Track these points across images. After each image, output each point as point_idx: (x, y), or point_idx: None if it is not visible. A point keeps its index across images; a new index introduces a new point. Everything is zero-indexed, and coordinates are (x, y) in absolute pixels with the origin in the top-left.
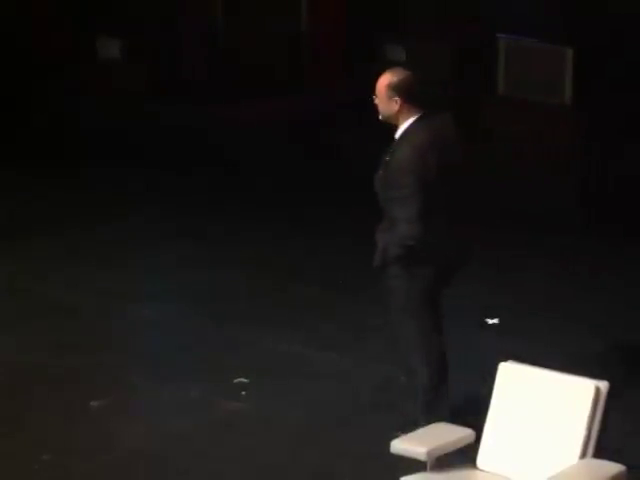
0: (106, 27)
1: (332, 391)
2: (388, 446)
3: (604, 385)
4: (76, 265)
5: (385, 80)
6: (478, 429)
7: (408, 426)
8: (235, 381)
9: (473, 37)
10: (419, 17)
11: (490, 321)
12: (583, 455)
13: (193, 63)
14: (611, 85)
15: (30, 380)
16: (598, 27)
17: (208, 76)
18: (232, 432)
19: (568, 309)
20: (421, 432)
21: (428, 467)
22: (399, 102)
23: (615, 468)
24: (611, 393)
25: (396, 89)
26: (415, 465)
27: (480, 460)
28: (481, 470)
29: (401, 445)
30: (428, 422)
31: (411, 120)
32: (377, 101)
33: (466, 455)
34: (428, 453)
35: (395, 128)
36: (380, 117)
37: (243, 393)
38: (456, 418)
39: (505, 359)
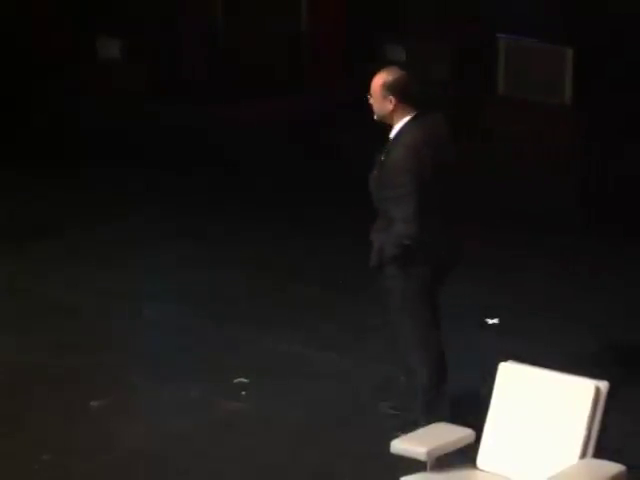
0: (106, 27)
1: (332, 391)
2: (388, 446)
3: (604, 385)
4: (76, 265)
5: (380, 79)
6: (478, 429)
7: (408, 426)
8: (235, 381)
9: (473, 37)
10: (419, 17)
11: (490, 321)
12: (583, 455)
13: (193, 63)
14: (611, 85)
15: (30, 380)
16: (598, 27)
17: (208, 76)
18: (232, 432)
19: (568, 309)
20: (421, 432)
21: (428, 467)
22: (394, 101)
23: (615, 468)
24: (611, 393)
25: (391, 88)
26: (415, 465)
27: (480, 460)
28: (481, 470)
29: (401, 445)
30: (428, 422)
31: (405, 120)
32: (372, 100)
33: (466, 455)
34: (428, 453)
35: (390, 128)
36: (375, 117)
37: (243, 393)
38: (456, 418)
39: (505, 359)
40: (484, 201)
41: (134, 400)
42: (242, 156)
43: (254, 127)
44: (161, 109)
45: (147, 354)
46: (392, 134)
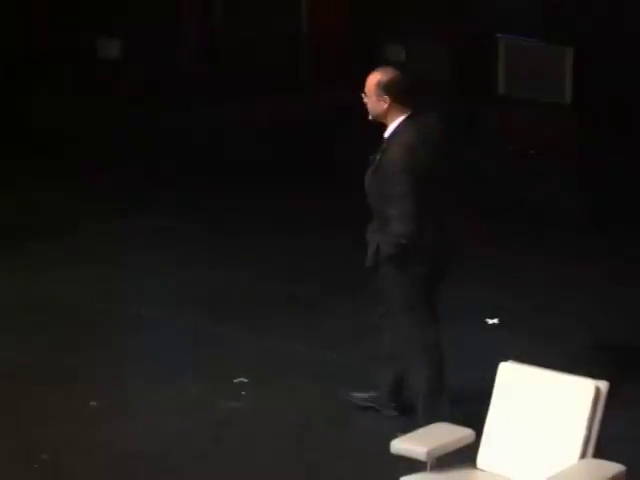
0: (106, 27)
1: (332, 391)
2: (388, 446)
3: (604, 385)
4: (76, 265)
5: (374, 79)
6: (478, 429)
7: (408, 426)
8: (235, 381)
9: (473, 37)
10: (419, 17)
11: (490, 321)
12: (583, 455)
13: (193, 63)
14: (611, 85)
15: (30, 380)
16: (598, 27)
17: (208, 76)
18: (232, 432)
19: (568, 309)
20: (421, 432)
21: (428, 467)
22: (388, 101)
23: (615, 468)
24: (611, 393)
25: (385, 88)
26: (415, 465)
27: (480, 460)
28: (481, 470)
29: (401, 445)
30: (428, 422)
31: (400, 119)
32: (366, 100)
33: (466, 455)
34: (428, 453)
35: (384, 127)
36: (369, 116)
37: (243, 393)
38: (456, 418)
39: (505, 359)
40: (484, 201)
41: (134, 400)
42: (242, 156)
43: (254, 127)
44: (161, 109)
45: (147, 354)
46: (387, 133)
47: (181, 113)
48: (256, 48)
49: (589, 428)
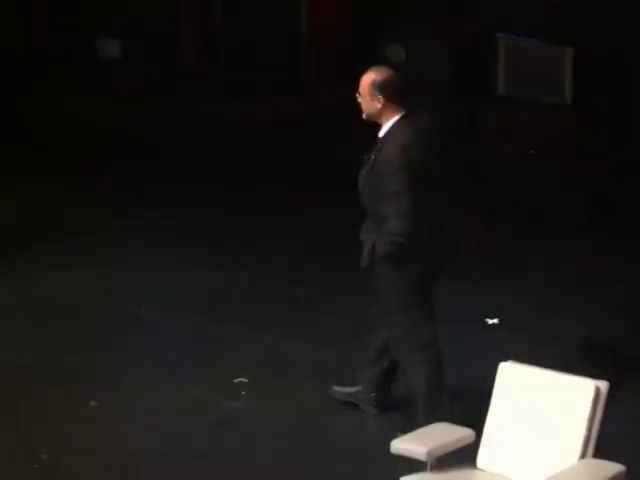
0: (106, 27)
1: None
2: (388, 446)
3: (604, 385)
4: (76, 265)
5: (368, 78)
6: (478, 429)
7: (408, 426)
8: (235, 381)
9: (473, 37)
10: (419, 17)
11: (490, 321)
12: (583, 455)
13: (193, 63)
14: (611, 85)
15: (30, 380)
16: (598, 27)
17: (208, 76)
18: (232, 432)
19: (568, 309)
20: (421, 432)
21: (428, 467)
22: (382, 101)
23: (615, 468)
24: (611, 393)
25: (379, 87)
26: (415, 465)
27: (480, 460)
28: (481, 470)
29: (401, 445)
30: (428, 422)
31: (395, 119)
32: (360, 99)
33: (466, 455)
34: (428, 453)
35: (378, 127)
36: (364, 116)
37: (243, 393)
38: (456, 418)
39: (505, 359)
40: (484, 201)
41: (134, 400)
42: (242, 156)
43: (254, 127)
44: (161, 109)
45: (147, 354)
46: (381, 133)
47: (181, 113)
48: (256, 48)
49: (589, 428)
